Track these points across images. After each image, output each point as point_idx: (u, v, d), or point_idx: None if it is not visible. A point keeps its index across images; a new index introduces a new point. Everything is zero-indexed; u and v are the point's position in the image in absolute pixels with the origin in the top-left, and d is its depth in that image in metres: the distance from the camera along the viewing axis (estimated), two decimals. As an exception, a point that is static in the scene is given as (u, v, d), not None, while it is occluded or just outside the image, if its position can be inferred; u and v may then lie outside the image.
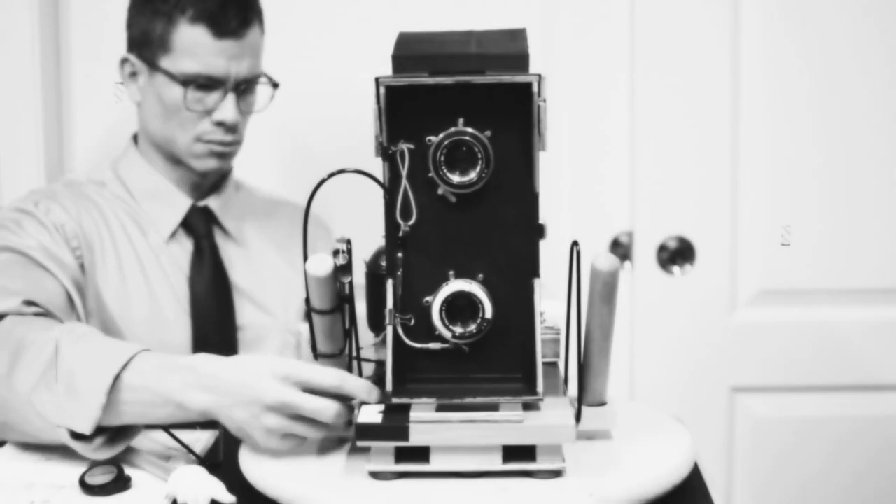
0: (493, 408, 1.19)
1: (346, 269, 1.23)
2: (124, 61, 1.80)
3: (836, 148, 2.11)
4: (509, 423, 1.18)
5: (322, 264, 1.21)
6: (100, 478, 1.28)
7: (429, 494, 1.16)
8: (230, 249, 1.86)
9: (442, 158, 1.18)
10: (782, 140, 2.11)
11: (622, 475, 1.20)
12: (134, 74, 1.79)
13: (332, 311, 1.23)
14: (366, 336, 1.32)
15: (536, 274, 1.22)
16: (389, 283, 1.20)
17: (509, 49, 1.25)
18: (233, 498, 1.22)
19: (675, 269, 2.15)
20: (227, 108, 1.75)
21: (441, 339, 1.21)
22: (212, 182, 1.87)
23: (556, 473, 1.19)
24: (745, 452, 2.18)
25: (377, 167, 1.21)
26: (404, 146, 1.18)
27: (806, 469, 2.17)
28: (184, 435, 1.41)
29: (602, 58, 2.10)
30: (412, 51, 1.21)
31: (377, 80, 1.16)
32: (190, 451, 1.36)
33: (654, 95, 2.11)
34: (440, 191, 1.20)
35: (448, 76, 1.17)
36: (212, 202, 1.86)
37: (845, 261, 2.13)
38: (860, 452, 2.17)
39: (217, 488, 1.22)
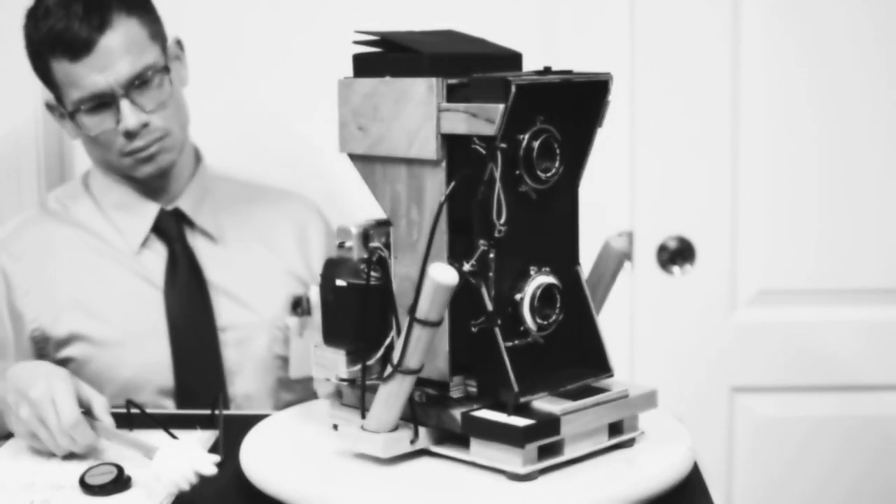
0: (597, 389, 1.24)
1: (476, 275, 1.20)
2: (49, 107, 1.79)
3: (837, 148, 2.11)
4: (620, 399, 1.24)
5: (448, 273, 1.14)
6: (100, 478, 1.28)
7: (563, 483, 1.17)
8: (207, 249, 1.82)
9: (534, 156, 1.20)
10: (782, 140, 2.11)
11: (622, 474, 1.20)
12: (63, 115, 1.76)
13: (439, 323, 1.17)
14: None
15: (577, 261, 1.27)
16: (483, 286, 1.19)
17: (499, 50, 1.28)
18: (214, 469, 1.23)
19: (676, 269, 2.15)
20: (126, 117, 1.69)
21: (524, 334, 1.22)
22: (174, 181, 1.82)
23: (632, 441, 1.26)
24: (745, 452, 2.18)
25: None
26: (498, 145, 1.17)
27: (806, 469, 2.17)
28: (184, 435, 1.41)
29: (601, 57, 2.10)
30: (442, 50, 1.22)
31: (507, 79, 1.15)
32: (190, 450, 1.36)
33: (653, 95, 2.11)
34: (522, 188, 1.21)
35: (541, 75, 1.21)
36: (182, 202, 1.82)
37: (845, 261, 2.13)
38: (861, 452, 2.17)
39: (200, 461, 1.22)
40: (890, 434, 2.17)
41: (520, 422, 1.16)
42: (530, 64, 1.30)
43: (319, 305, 1.82)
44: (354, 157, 1.27)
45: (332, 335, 1.30)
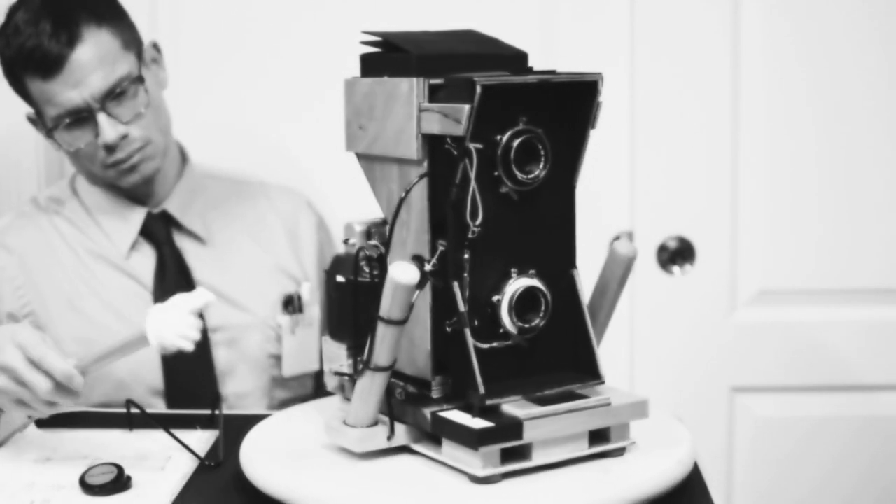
0: (579, 396, 1.21)
1: (438, 275, 1.20)
2: (31, 121, 1.78)
3: (837, 148, 2.11)
4: (601, 407, 1.21)
5: (409, 272, 1.15)
6: (100, 478, 1.28)
7: (529, 489, 1.16)
8: (196, 251, 1.82)
9: (513, 156, 1.19)
10: (782, 140, 2.11)
11: (622, 474, 1.20)
12: (44, 129, 1.75)
13: (403, 321, 1.18)
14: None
15: (573, 265, 1.25)
16: (456, 286, 1.19)
17: (504, 50, 1.28)
18: (208, 295, 1.25)
19: (676, 269, 2.15)
20: (104, 131, 1.68)
21: (504, 336, 1.21)
22: (160, 185, 1.81)
23: (622, 450, 1.23)
24: (745, 452, 2.18)
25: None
26: (472, 146, 1.17)
27: (805, 469, 2.17)
28: (184, 435, 1.41)
29: (601, 57, 2.10)
30: (435, 51, 1.22)
31: (473, 80, 1.15)
32: (190, 450, 1.35)
33: (653, 95, 2.11)
34: (503, 189, 1.20)
35: (526, 75, 1.20)
36: (169, 205, 1.82)
37: (845, 261, 2.13)
38: (861, 453, 2.17)
39: (189, 300, 1.24)
40: (890, 434, 2.17)
41: (477, 424, 1.16)
42: (530, 63, 1.30)
43: (312, 303, 1.85)
44: (360, 156, 1.28)
45: (334, 330, 1.32)
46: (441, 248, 1.19)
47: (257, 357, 1.81)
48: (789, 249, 2.13)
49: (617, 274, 1.31)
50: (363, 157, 1.27)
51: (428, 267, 1.19)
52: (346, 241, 1.30)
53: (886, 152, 2.11)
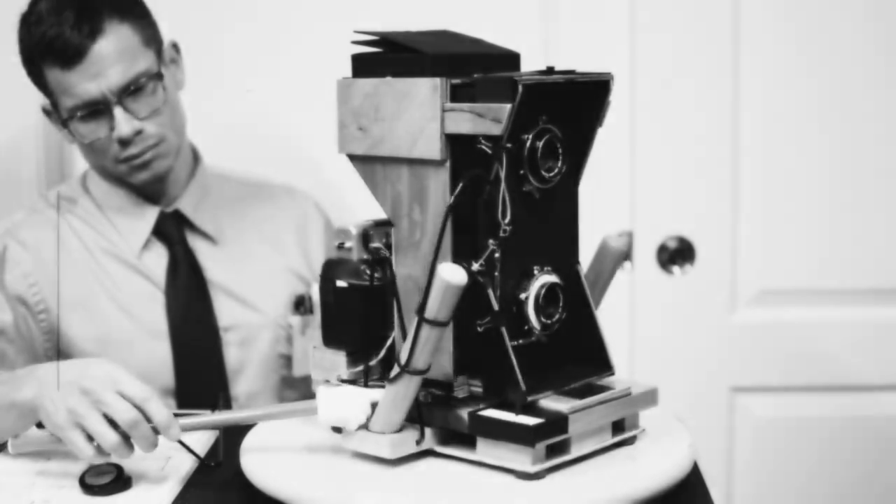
0: (600, 388, 1.24)
1: (485, 274, 1.20)
2: (46, 112, 1.78)
3: (837, 148, 2.11)
4: (624, 397, 1.24)
5: (458, 273, 1.14)
6: (100, 478, 1.28)
7: (571, 480, 1.17)
8: (208, 251, 1.82)
9: (538, 155, 1.20)
10: (782, 140, 2.11)
11: (622, 474, 1.20)
12: (59, 121, 1.75)
13: (448, 323, 1.17)
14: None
15: (577, 260, 1.28)
16: (489, 286, 1.19)
17: (497, 49, 1.29)
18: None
19: (676, 269, 2.15)
20: (120, 125, 1.68)
21: (528, 333, 1.22)
22: (172, 185, 1.82)
23: (633, 439, 1.26)
24: (745, 452, 2.18)
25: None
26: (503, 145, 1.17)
27: (805, 469, 2.17)
28: (184, 435, 1.40)
29: (601, 57, 2.10)
30: (444, 50, 1.22)
31: (514, 79, 1.15)
32: (190, 450, 1.35)
33: (654, 95, 2.11)
34: (526, 188, 1.21)
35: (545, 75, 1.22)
36: (182, 204, 1.82)
37: (845, 261, 2.13)
38: (859, 453, 2.17)
39: (371, 395, 1.23)
40: (890, 435, 2.17)
41: (530, 421, 1.16)
42: (530, 64, 1.30)
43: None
44: (354, 158, 1.26)
45: (333, 337, 1.29)
46: (492, 248, 1.19)
47: (268, 357, 1.81)
48: (789, 249, 2.13)
49: (607, 267, 1.33)
50: (360, 159, 1.26)
51: (476, 266, 1.19)
52: (339, 246, 1.28)
53: (886, 152, 2.11)
